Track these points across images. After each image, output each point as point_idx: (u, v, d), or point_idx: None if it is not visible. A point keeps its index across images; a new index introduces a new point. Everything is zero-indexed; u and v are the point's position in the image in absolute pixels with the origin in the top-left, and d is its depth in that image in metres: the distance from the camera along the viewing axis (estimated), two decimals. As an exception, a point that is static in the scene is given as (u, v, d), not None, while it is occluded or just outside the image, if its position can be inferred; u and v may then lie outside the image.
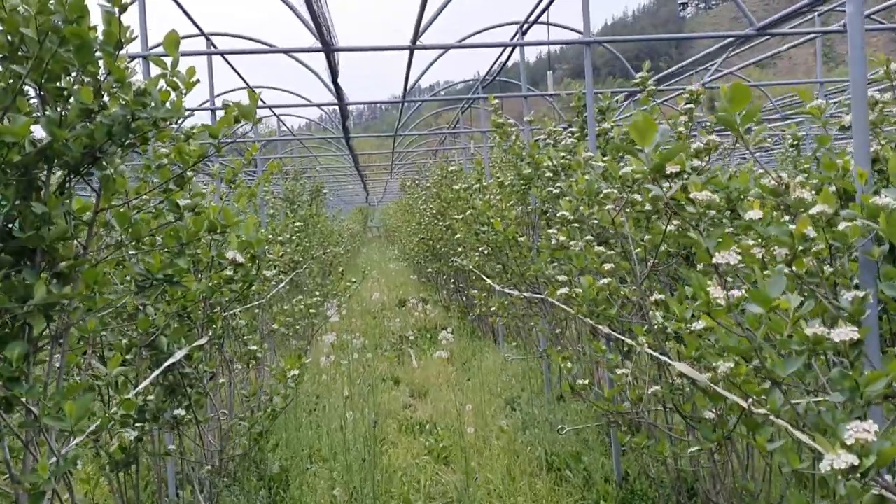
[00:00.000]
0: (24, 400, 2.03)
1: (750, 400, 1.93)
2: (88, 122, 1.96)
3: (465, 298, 11.38)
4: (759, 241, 1.96)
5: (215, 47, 7.44)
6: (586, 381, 3.58)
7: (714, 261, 1.76)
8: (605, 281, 3.00)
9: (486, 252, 7.06)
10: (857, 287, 2.21)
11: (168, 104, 2.21)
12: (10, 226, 2.03)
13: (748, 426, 2.10)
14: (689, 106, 4.05)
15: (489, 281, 7.97)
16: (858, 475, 1.37)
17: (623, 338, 3.37)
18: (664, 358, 2.71)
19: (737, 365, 1.98)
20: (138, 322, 2.94)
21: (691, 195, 1.92)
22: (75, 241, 2.25)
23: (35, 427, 1.96)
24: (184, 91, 2.31)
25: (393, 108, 14.08)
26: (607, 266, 3.07)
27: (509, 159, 6.81)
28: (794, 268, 1.88)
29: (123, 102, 1.99)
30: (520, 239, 5.60)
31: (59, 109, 1.95)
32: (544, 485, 5.26)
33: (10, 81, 1.94)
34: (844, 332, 1.61)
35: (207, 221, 2.70)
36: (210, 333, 3.97)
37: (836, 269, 2.03)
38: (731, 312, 1.74)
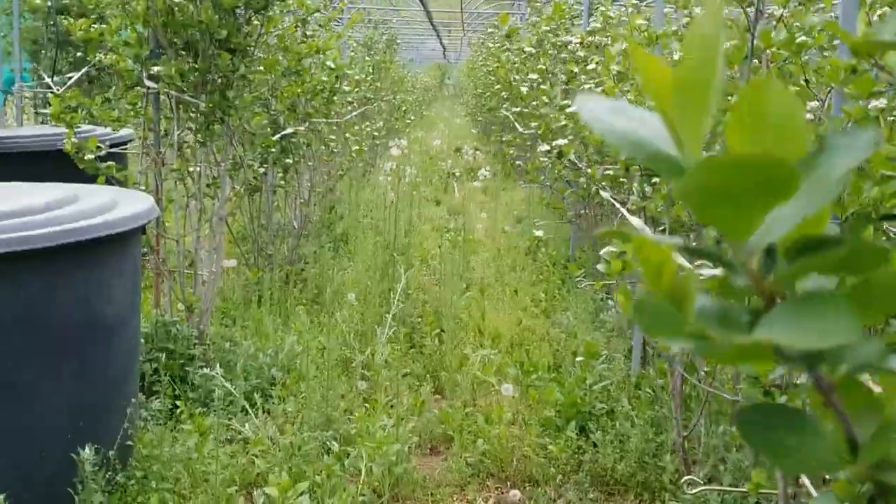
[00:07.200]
0: (230, 118, 4.37)
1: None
2: (270, -12, 4.17)
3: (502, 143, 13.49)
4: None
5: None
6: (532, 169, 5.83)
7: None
8: (534, 76, 5.01)
9: (505, 97, 9.12)
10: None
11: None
12: (228, 39, 4.30)
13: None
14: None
15: (517, 126, 10.07)
16: (556, 158, 3.53)
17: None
18: (547, 145, 4.88)
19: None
20: (279, 98, 5.26)
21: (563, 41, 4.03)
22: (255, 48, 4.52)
23: (230, 134, 4.30)
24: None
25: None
26: (524, 89, 5.13)
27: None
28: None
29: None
30: (512, 83, 7.67)
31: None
32: (521, 260, 7.62)
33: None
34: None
35: (316, 46, 4.93)
36: (307, 124, 6.28)
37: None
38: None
